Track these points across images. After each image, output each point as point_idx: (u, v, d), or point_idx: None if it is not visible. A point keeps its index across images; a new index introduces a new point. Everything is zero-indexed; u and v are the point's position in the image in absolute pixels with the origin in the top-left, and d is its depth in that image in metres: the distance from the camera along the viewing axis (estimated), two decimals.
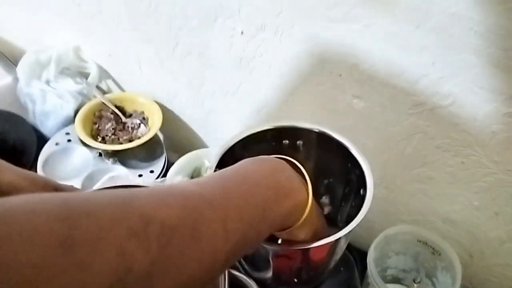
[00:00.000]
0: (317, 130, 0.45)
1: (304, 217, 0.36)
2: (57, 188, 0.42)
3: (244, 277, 0.48)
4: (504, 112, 0.46)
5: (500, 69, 0.43)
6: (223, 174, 0.32)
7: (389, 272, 0.62)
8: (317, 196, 0.54)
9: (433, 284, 0.58)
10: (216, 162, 0.42)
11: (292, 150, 0.50)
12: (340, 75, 0.56)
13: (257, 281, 0.49)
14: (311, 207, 0.37)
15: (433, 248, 0.56)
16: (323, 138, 0.49)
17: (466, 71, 0.45)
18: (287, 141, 0.51)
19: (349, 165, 0.48)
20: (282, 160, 0.38)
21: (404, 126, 0.55)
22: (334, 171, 0.53)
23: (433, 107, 0.50)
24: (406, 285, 0.62)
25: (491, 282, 0.63)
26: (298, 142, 0.51)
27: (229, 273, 0.47)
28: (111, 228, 0.21)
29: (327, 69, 0.57)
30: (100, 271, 0.20)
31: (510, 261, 0.58)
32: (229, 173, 0.33)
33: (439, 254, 0.55)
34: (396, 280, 0.63)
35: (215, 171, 0.42)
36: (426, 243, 0.56)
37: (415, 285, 0.60)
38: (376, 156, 0.59)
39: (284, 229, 0.37)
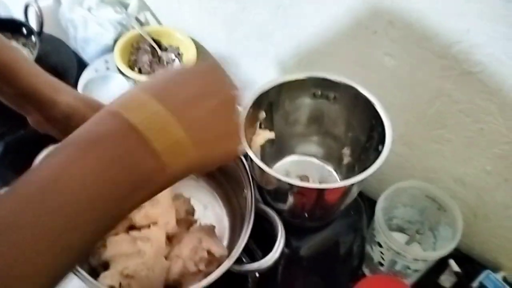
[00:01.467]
0: (348, 85, 0.47)
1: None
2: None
3: (268, 209, 0.53)
4: None
5: None
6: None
7: (395, 221, 0.67)
8: (341, 146, 0.58)
9: (434, 236, 0.63)
10: (251, 103, 0.45)
11: (324, 100, 0.53)
12: (375, 32, 0.57)
13: (275, 210, 0.54)
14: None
15: (439, 204, 0.60)
16: (353, 93, 0.52)
17: (498, 41, 0.46)
18: (319, 92, 0.53)
19: (373, 121, 0.50)
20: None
21: (431, 88, 0.56)
22: (358, 125, 0.56)
23: (462, 72, 0.52)
24: (408, 235, 0.67)
25: (491, 242, 0.67)
26: (329, 94, 0.54)
27: (255, 204, 0.52)
28: None
29: (363, 24, 0.58)
30: None
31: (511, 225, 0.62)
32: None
33: (444, 211, 0.59)
34: (400, 229, 0.68)
35: (249, 112, 0.45)
36: (434, 199, 0.60)
37: (418, 235, 0.65)
38: (399, 114, 0.62)
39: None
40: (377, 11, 0.55)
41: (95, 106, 0.46)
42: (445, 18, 0.49)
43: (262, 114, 0.49)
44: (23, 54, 0.52)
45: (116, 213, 0.25)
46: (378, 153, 0.47)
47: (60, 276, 0.23)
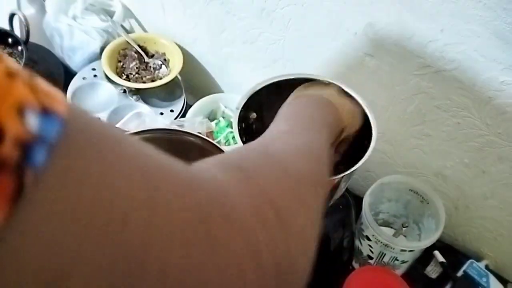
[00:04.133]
0: (335, 84, 0.49)
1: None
2: None
3: None
4: (501, 80, 0.50)
5: (503, 41, 0.47)
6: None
7: (381, 216, 0.70)
8: None
9: (419, 228, 0.66)
10: (242, 104, 0.47)
11: None
12: (356, 33, 0.60)
13: None
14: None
15: (422, 197, 0.62)
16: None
17: (471, 40, 0.49)
18: None
19: None
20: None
21: (409, 85, 0.59)
22: None
23: (437, 70, 0.55)
24: (394, 229, 0.69)
25: (471, 232, 0.70)
26: None
27: None
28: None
29: (344, 26, 0.60)
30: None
31: (490, 215, 0.65)
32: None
33: (427, 203, 0.62)
34: (386, 223, 0.70)
35: (240, 112, 0.47)
36: (417, 193, 0.63)
37: (403, 229, 0.67)
38: (381, 113, 0.64)
39: None
40: (356, 13, 0.57)
41: None
42: (420, 18, 0.52)
43: (253, 115, 0.51)
44: None
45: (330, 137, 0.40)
46: (363, 148, 0.49)
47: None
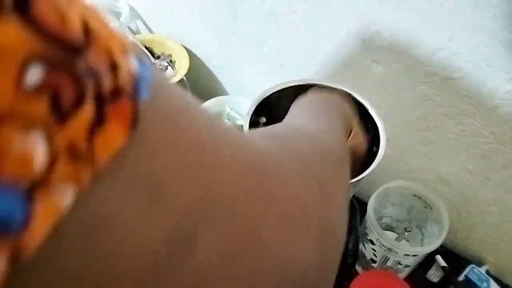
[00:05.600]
0: (344, 90, 0.50)
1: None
2: None
3: None
4: (507, 89, 0.51)
5: (510, 51, 0.48)
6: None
7: (384, 220, 0.70)
8: None
9: (422, 233, 0.66)
10: (253, 110, 0.48)
11: None
12: (363, 40, 0.61)
13: None
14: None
15: (426, 203, 0.63)
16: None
17: (478, 49, 0.50)
18: None
19: (368, 125, 0.53)
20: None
21: (416, 92, 0.60)
22: None
23: (444, 78, 0.56)
24: (397, 233, 0.70)
25: (473, 237, 0.71)
26: None
27: None
28: None
29: (351, 32, 0.61)
30: None
31: (492, 221, 0.66)
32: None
33: (431, 208, 0.63)
34: (389, 228, 0.71)
35: (251, 118, 0.48)
36: (420, 198, 0.63)
37: (406, 233, 0.68)
38: (387, 118, 0.65)
39: None
40: (365, 20, 0.58)
41: None
42: (429, 27, 0.52)
43: (263, 120, 0.52)
44: None
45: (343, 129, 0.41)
46: (372, 154, 0.49)
47: None
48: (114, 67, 0.13)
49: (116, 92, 0.12)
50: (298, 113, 0.41)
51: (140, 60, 0.14)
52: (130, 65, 0.13)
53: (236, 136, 0.19)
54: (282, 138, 0.27)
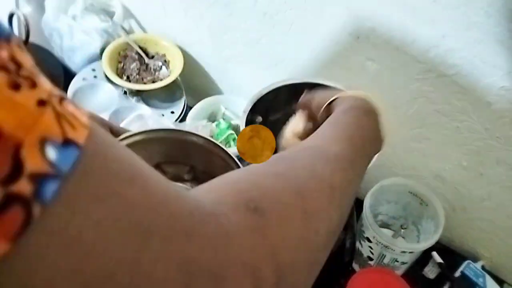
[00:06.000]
0: (340, 89, 0.50)
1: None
2: (112, 128, 0.48)
3: None
4: (501, 85, 0.51)
5: (503, 47, 0.48)
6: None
7: (380, 217, 0.71)
8: None
9: (418, 230, 0.67)
10: (249, 108, 0.48)
11: None
12: (358, 38, 0.61)
13: None
14: None
15: (421, 200, 0.63)
16: None
17: (472, 46, 0.50)
18: None
19: None
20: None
21: (410, 90, 0.60)
22: None
23: (438, 75, 0.56)
24: (393, 230, 0.70)
25: (468, 233, 0.71)
26: None
27: None
28: None
29: (346, 31, 0.61)
30: None
31: (487, 217, 0.67)
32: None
33: (426, 205, 0.63)
34: (385, 225, 0.71)
35: (247, 116, 0.48)
36: (416, 195, 0.64)
37: (402, 230, 0.68)
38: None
39: None
40: (359, 18, 0.58)
41: (106, 124, 0.47)
42: (422, 24, 0.53)
43: (259, 118, 0.52)
44: None
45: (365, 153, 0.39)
46: None
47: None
48: (17, 169, 0.12)
49: (9, 200, 0.12)
50: (328, 134, 0.37)
51: (65, 145, 0.14)
52: (41, 162, 0.13)
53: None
54: (261, 208, 0.23)
